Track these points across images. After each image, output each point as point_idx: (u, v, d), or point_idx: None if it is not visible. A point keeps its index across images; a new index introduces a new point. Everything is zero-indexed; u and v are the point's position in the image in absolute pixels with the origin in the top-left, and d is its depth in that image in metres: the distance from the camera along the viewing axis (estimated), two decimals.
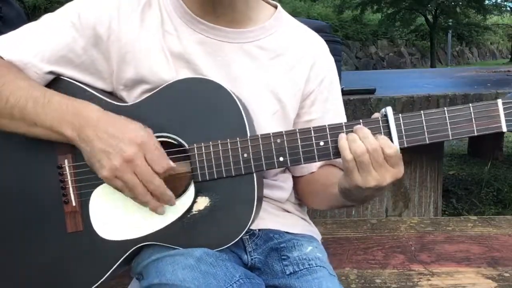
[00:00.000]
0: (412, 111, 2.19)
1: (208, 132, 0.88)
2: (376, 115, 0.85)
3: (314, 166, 1.05)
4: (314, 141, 0.86)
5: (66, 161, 0.91)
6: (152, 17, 0.94)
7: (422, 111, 0.83)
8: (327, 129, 0.85)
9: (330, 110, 1.06)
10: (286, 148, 0.86)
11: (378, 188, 0.83)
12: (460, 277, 1.22)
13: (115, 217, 0.90)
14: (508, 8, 19.94)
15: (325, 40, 1.12)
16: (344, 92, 2.12)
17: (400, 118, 0.83)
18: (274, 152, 0.86)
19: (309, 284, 0.93)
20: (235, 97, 0.88)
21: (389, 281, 1.21)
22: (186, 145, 0.88)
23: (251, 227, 0.91)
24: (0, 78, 0.86)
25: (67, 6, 0.95)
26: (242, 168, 0.87)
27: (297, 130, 0.86)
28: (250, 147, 0.86)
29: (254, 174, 0.88)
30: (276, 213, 1.06)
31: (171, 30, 0.94)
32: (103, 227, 0.91)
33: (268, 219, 1.03)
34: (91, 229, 0.91)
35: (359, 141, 0.81)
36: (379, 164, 0.81)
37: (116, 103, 0.92)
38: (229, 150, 0.87)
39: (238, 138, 0.87)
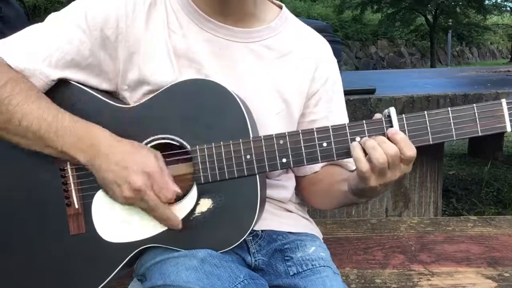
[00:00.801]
0: (412, 111, 2.20)
1: (210, 134, 0.88)
2: (378, 115, 0.85)
3: (317, 165, 1.05)
4: (317, 142, 0.86)
5: (68, 163, 0.91)
6: (158, 16, 0.94)
7: (425, 112, 0.82)
8: (330, 130, 0.85)
9: (334, 110, 1.07)
10: (289, 149, 0.86)
11: (388, 184, 0.83)
12: (460, 277, 1.22)
13: (117, 219, 0.90)
14: (508, 8, 19.93)
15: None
16: (344, 92, 2.12)
17: (404, 118, 0.83)
18: (277, 154, 0.86)
19: (313, 283, 0.93)
20: (237, 99, 0.88)
21: (389, 281, 1.21)
22: (188, 147, 0.88)
23: (254, 228, 0.91)
24: (12, 98, 0.85)
25: (73, 6, 0.93)
26: (245, 170, 0.87)
27: (300, 131, 0.86)
28: (252, 148, 0.86)
29: (257, 176, 0.88)
30: (279, 214, 1.06)
31: (176, 29, 0.94)
32: (106, 229, 0.90)
33: (271, 219, 1.03)
34: (94, 232, 0.91)
35: (380, 149, 0.80)
36: (395, 166, 0.81)
37: (120, 105, 0.92)
38: (232, 151, 0.87)
39: (240, 140, 0.87)
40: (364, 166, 0.80)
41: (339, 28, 15.31)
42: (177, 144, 0.89)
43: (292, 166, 0.87)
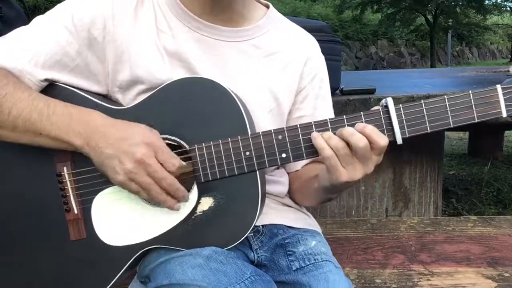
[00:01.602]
0: None
1: (208, 132, 0.88)
2: (376, 108, 0.85)
3: (299, 164, 1.07)
4: None
5: (65, 168, 0.90)
6: (146, 15, 0.94)
7: (422, 101, 0.83)
8: (329, 123, 0.85)
9: (321, 107, 1.08)
10: (288, 143, 0.86)
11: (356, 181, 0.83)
12: (460, 277, 1.22)
13: (118, 222, 0.90)
14: (508, 8, 19.94)
15: (325, 40, 1.13)
16: (344, 92, 2.13)
17: (401, 108, 0.83)
18: (276, 149, 0.86)
19: (316, 279, 0.93)
20: (234, 96, 0.88)
21: (389, 281, 1.21)
22: (186, 146, 0.88)
23: (256, 224, 0.91)
24: (1, 89, 0.85)
25: (60, 7, 0.93)
26: (245, 167, 0.87)
27: (298, 125, 0.86)
28: (251, 144, 0.86)
29: (257, 172, 0.87)
30: (278, 208, 1.07)
31: (165, 29, 0.94)
32: (107, 233, 0.90)
33: (271, 213, 1.04)
34: (95, 236, 0.90)
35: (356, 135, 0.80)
36: (365, 157, 0.81)
37: (113, 107, 0.91)
38: (231, 149, 0.86)
39: (239, 137, 0.86)
40: (328, 151, 0.81)
41: (339, 28, 15.31)
42: (175, 144, 0.89)
43: (292, 160, 0.87)
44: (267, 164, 0.87)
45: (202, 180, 0.88)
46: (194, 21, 0.95)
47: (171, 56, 0.94)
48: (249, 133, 0.87)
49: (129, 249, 0.90)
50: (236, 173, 0.87)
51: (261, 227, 1.02)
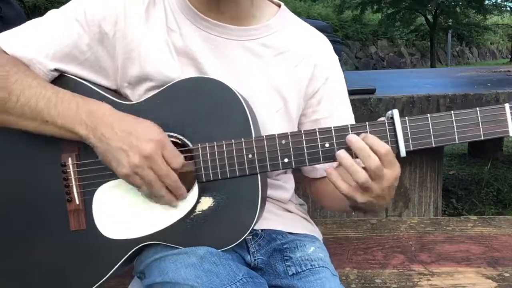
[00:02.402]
0: (412, 111, 2.20)
1: (212, 132, 0.88)
2: (382, 119, 0.85)
3: (318, 172, 1.06)
4: (319, 143, 0.86)
5: (70, 159, 0.91)
6: (157, 15, 0.95)
7: (428, 115, 0.83)
8: (333, 131, 0.85)
9: (338, 108, 1.06)
10: (291, 149, 0.86)
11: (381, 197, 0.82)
12: (460, 277, 1.22)
13: (118, 216, 0.90)
14: (508, 8, 19.92)
15: None
16: None
17: (407, 121, 0.83)
18: (279, 153, 0.86)
19: (311, 285, 0.93)
20: (240, 97, 0.88)
21: (389, 281, 1.21)
22: (190, 145, 0.89)
23: (254, 228, 0.91)
24: (11, 76, 0.86)
25: (73, 3, 0.95)
26: (247, 169, 0.87)
27: (302, 131, 0.86)
28: (254, 147, 0.86)
29: (259, 175, 0.88)
30: (279, 213, 1.06)
31: (174, 28, 0.95)
32: (106, 225, 0.91)
33: (271, 219, 1.03)
34: (94, 228, 0.91)
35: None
36: (378, 175, 0.80)
37: (121, 101, 0.92)
38: (234, 150, 0.87)
39: (243, 139, 0.87)
40: (342, 184, 0.82)
41: (339, 28, 15.31)
42: (179, 142, 0.89)
43: (293, 166, 0.87)
44: (268, 168, 0.87)
45: (204, 179, 0.88)
46: (202, 20, 0.95)
47: (180, 54, 0.94)
48: (253, 135, 0.87)
49: (127, 243, 0.90)
50: (238, 175, 0.87)
51: (260, 231, 1.02)
